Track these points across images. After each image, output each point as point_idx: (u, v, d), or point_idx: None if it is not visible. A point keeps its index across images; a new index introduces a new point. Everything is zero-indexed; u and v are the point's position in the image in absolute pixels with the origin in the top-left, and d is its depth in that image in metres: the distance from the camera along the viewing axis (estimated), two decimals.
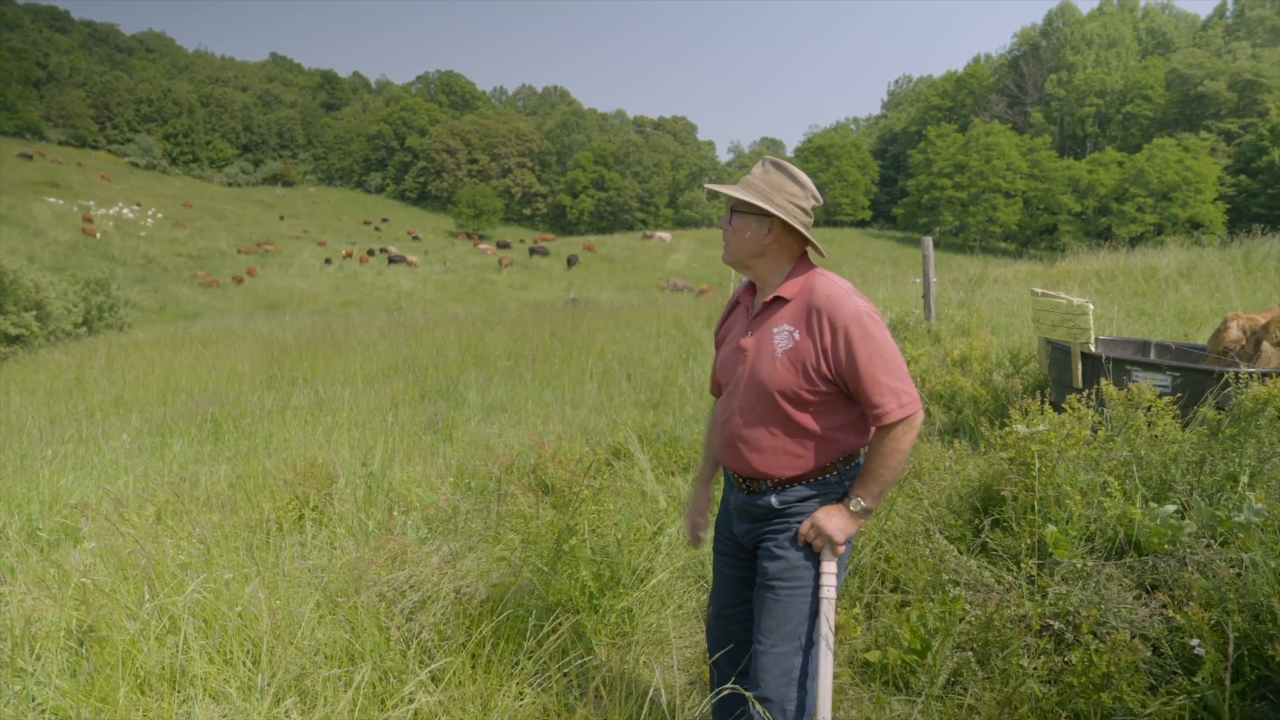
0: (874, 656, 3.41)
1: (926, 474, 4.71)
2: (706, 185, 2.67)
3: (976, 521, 4.17)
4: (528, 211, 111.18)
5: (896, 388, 2.27)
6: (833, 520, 2.36)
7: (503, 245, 60.99)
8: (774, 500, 2.44)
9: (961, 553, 3.92)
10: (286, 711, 2.77)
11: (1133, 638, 2.95)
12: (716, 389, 2.73)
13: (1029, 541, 3.68)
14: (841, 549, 2.39)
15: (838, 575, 2.41)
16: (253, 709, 2.76)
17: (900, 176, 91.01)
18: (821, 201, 2.50)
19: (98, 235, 44.93)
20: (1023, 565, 3.58)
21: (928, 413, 6.38)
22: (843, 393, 2.36)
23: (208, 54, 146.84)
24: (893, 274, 17.98)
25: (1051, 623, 3.18)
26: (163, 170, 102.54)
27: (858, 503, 2.35)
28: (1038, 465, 3.88)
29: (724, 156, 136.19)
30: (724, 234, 2.50)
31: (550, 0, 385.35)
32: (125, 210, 59.88)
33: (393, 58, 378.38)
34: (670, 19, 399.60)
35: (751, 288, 2.59)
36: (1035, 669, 3.01)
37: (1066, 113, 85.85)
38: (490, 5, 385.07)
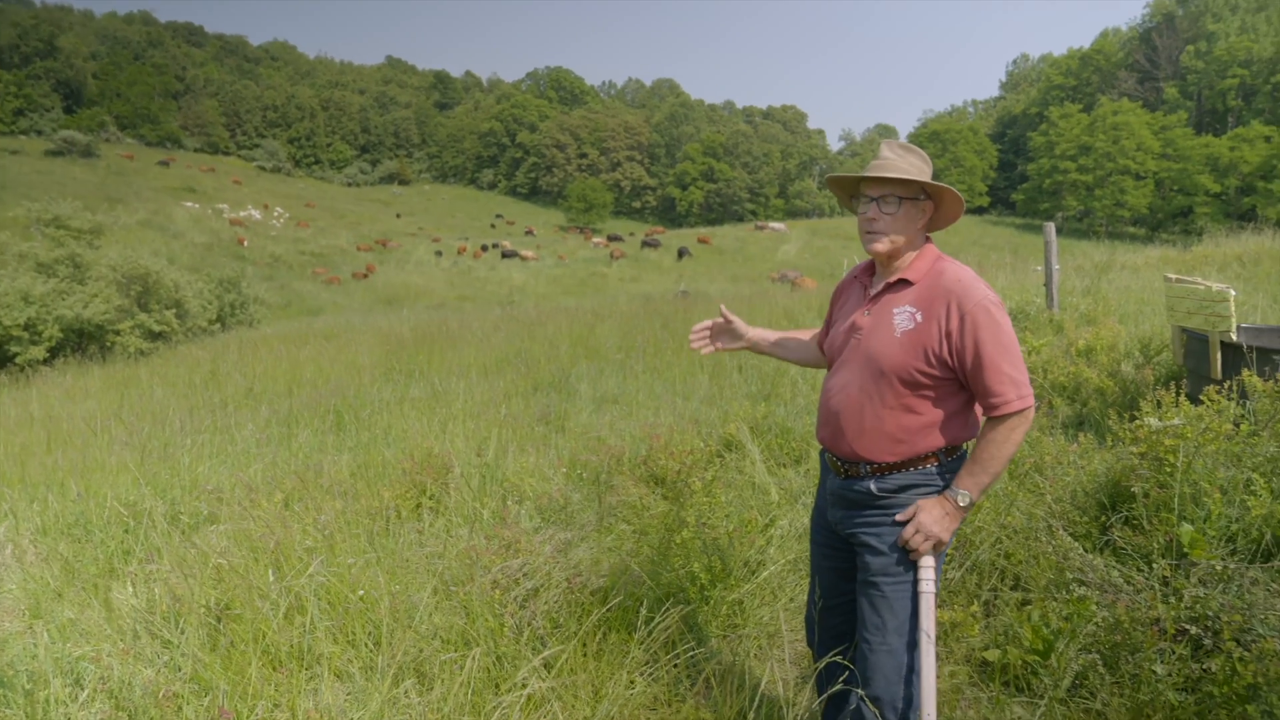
0: (993, 656, 3.29)
1: (1049, 468, 4.50)
2: (869, 172, 2.36)
3: (1103, 519, 3.97)
4: (637, 205, 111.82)
5: (1017, 378, 2.23)
6: (934, 513, 2.31)
7: (614, 238, 61.49)
8: (873, 486, 2.40)
9: (1087, 551, 3.74)
10: (405, 692, 2.86)
11: None
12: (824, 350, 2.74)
13: (1162, 541, 3.48)
14: (946, 544, 2.35)
15: (936, 569, 2.36)
16: (373, 689, 2.87)
17: (1020, 161, 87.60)
18: None
19: (245, 242, 46.50)
20: (1155, 566, 3.37)
21: (1050, 405, 6.18)
22: (956, 381, 2.32)
23: (328, 59, 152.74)
24: (1011, 262, 17.31)
25: (1188, 627, 3.00)
26: (287, 173, 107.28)
27: (965, 495, 2.29)
28: (1181, 459, 3.66)
29: (835, 145, 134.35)
30: (872, 224, 2.35)
31: None
32: (254, 212, 62.94)
33: (503, 56, 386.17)
34: (779, 7, 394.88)
35: (871, 268, 2.54)
36: (1169, 675, 2.85)
37: (1204, 86, 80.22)
38: (599, 1, 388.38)
